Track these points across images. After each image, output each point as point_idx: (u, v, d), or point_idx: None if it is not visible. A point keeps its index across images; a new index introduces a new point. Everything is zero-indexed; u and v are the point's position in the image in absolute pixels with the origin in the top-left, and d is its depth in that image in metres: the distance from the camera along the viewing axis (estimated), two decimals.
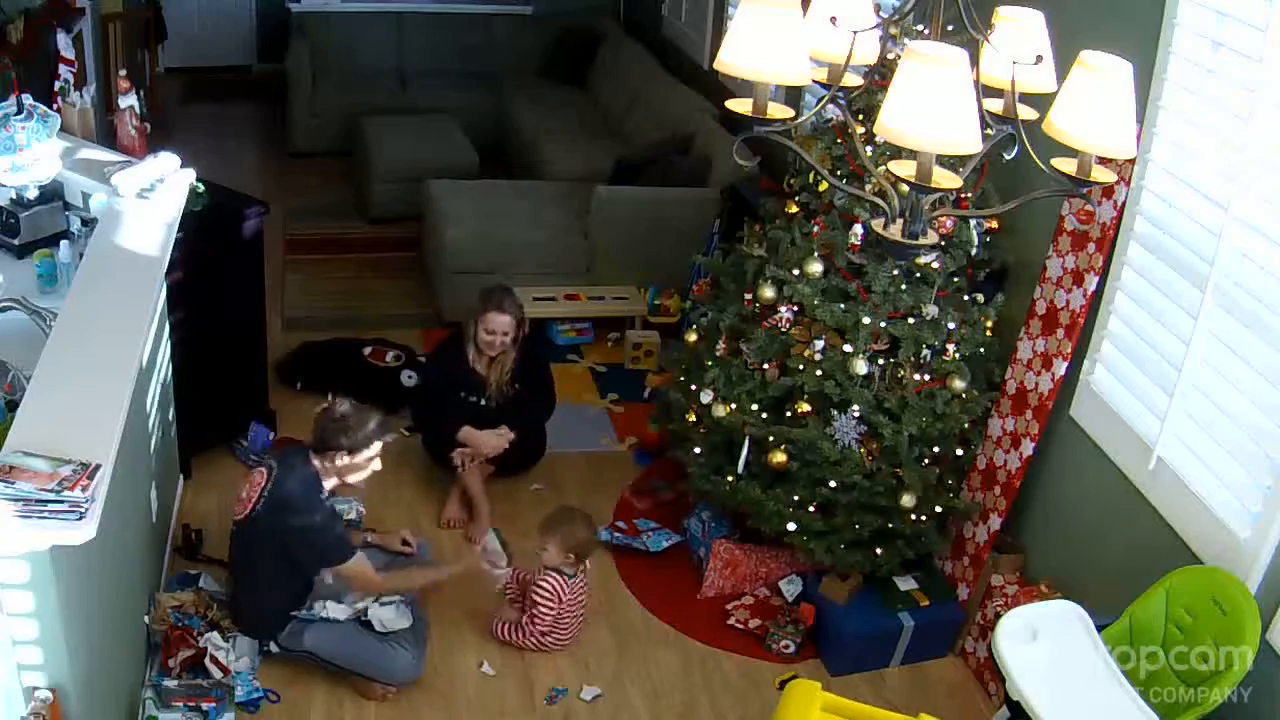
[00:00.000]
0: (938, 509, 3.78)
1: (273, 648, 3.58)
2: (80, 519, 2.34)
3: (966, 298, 3.81)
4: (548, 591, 3.76)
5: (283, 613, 3.55)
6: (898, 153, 2.64)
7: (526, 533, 4.33)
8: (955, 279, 3.75)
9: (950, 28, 2.21)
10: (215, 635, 3.48)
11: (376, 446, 3.57)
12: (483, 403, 4.50)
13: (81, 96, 4.43)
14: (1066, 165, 2.00)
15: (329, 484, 3.55)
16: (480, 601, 3.97)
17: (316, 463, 3.52)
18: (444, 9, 8.49)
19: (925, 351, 3.66)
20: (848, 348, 3.60)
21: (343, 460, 3.51)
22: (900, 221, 2.00)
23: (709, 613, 4.09)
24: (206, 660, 3.39)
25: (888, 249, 2.74)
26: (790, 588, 4.09)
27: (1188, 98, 3.16)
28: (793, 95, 5.24)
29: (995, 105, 2.14)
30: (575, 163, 6.68)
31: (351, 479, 3.58)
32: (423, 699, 3.62)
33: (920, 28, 2.75)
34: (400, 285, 6.14)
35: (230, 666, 3.44)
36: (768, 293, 3.75)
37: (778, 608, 4.05)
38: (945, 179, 1.87)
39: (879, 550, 3.81)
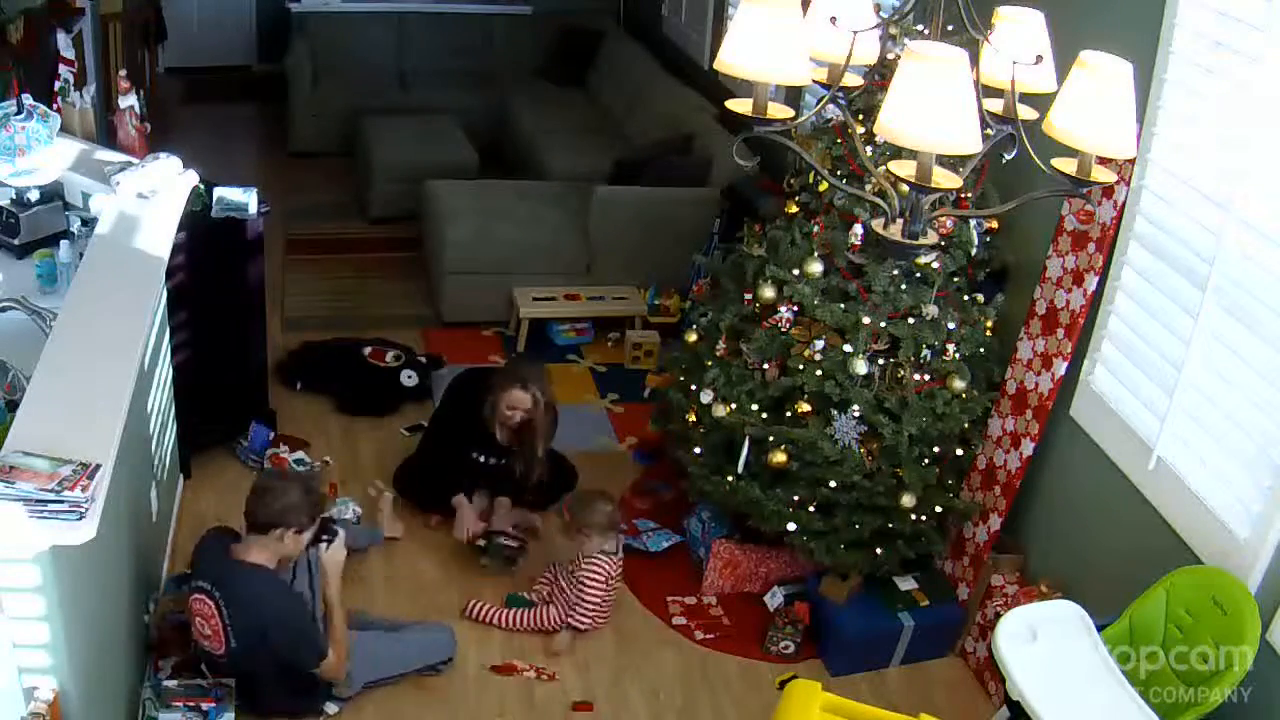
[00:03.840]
0: (938, 509, 3.78)
1: (331, 708, 3.46)
2: (80, 519, 2.34)
3: (966, 298, 3.81)
4: (599, 575, 3.86)
5: (312, 679, 3.40)
6: (898, 153, 2.64)
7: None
8: (955, 279, 3.75)
9: (950, 28, 2.21)
10: None
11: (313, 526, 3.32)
12: (491, 461, 4.31)
13: (81, 96, 4.43)
14: (1066, 165, 2.00)
15: (273, 566, 3.29)
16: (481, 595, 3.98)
17: (257, 554, 3.23)
18: (444, 9, 8.48)
19: (925, 351, 3.65)
20: (848, 348, 3.60)
21: (287, 539, 3.25)
22: (900, 221, 2.00)
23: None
24: (202, 667, 3.36)
25: (888, 249, 2.74)
26: (772, 601, 4.08)
27: (1188, 98, 3.16)
28: (793, 95, 5.24)
29: (995, 105, 2.14)
30: (575, 163, 6.67)
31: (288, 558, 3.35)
32: (423, 699, 3.62)
33: (920, 28, 2.76)
34: (400, 285, 6.14)
35: None
36: (768, 293, 3.75)
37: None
38: (945, 179, 1.87)
39: (879, 550, 3.81)
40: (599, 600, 3.88)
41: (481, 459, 4.31)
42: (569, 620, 3.88)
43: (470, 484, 4.31)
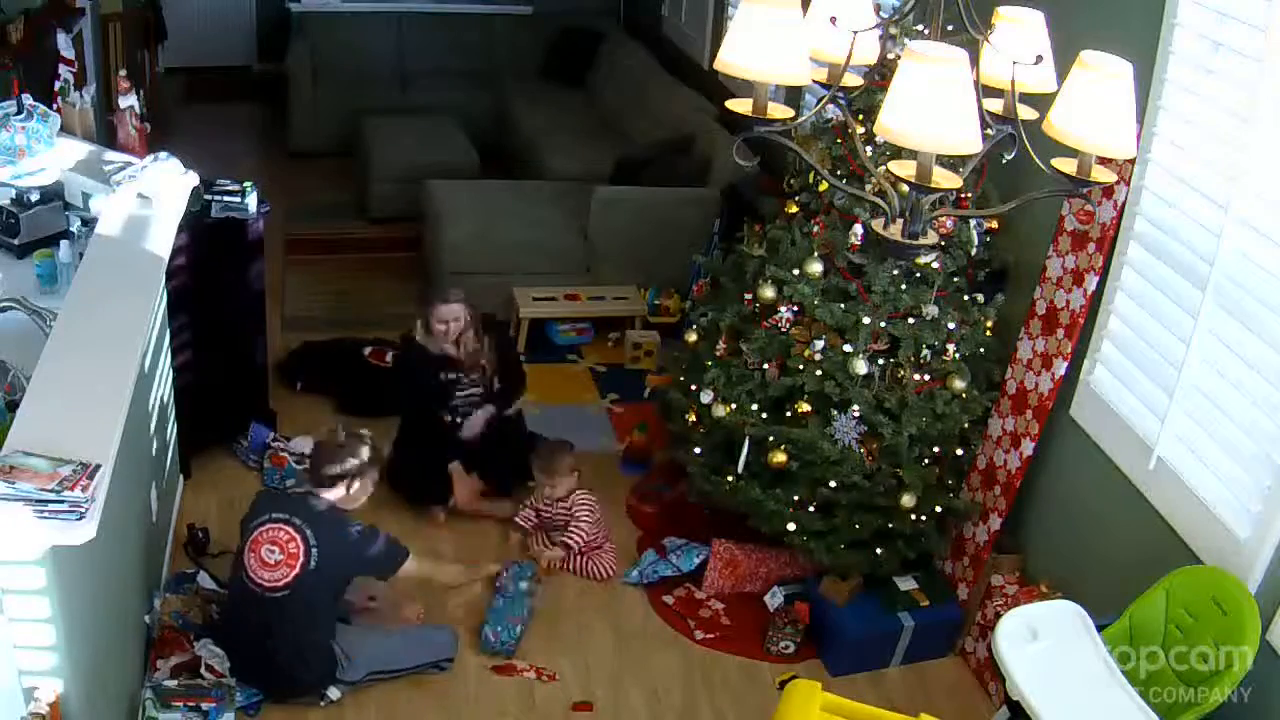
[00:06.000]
0: (938, 509, 3.78)
1: (334, 693, 3.51)
2: (80, 519, 2.34)
3: (966, 298, 3.81)
4: (586, 503, 4.25)
5: (330, 650, 3.49)
6: (898, 153, 2.64)
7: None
8: (955, 279, 3.75)
9: (950, 28, 2.21)
10: (211, 642, 3.46)
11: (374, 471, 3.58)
12: (463, 379, 4.51)
13: (81, 96, 4.43)
14: (1066, 165, 2.00)
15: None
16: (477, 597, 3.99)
17: (331, 497, 3.47)
18: (444, 9, 8.49)
19: (925, 351, 3.66)
20: (848, 348, 3.60)
21: (353, 488, 3.51)
22: (900, 221, 2.00)
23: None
24: (202, 668, 3.35)
25: (888, 249, 2.73)
26: (772, 601, 4.08)
27: (1188, 98, 3.16)
28: (793, 95, 5.24)
29: (995, 105, 2.14)
30: (575, 163, 6.68)
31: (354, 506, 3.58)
32: (423, 699, 3.62)
33: (920, 28, 2.75)
34: (400, 285, 6.14)
35: (224, 671, 3.40)
36: (768, 293, 3.75)
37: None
38: (945, 179, 1.87)
39: (879, 550, 3.81)
40: (591, 522, 4.23)
41: (451, 377, 4.49)
42: (563, 539, 4.21)
43: (450, 448, 4.44)
